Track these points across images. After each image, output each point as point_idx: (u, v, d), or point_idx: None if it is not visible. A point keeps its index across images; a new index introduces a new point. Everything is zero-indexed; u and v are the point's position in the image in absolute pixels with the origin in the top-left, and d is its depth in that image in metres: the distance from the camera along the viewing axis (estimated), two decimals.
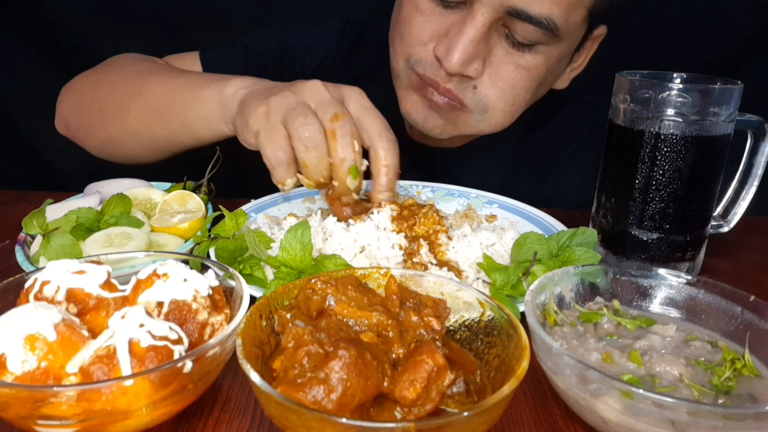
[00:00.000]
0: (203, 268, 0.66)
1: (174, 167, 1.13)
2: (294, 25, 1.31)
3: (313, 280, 0.57)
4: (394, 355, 0.52)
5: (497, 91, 0.98)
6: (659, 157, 0.80)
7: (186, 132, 1.02)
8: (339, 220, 0.85)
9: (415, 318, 0.56)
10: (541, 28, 0.90)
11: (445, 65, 0.93)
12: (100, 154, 1.18)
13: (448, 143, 1.20)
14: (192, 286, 0.59)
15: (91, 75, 1.20)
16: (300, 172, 0.82)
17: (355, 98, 0.85)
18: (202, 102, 0.96)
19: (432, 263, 0.80)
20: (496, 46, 0.95)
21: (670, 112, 0.79)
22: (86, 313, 0.58)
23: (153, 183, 1.02)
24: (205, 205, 0.94)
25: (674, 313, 0.69)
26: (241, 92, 0.91)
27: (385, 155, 0.84)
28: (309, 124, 0.79)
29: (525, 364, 0.50)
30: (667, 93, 0.78)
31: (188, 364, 0.51)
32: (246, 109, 0.85)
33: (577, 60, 1.08)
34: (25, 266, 0.77)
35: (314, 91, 0.83)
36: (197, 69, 1.25)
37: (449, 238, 0.84)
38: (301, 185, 0.84)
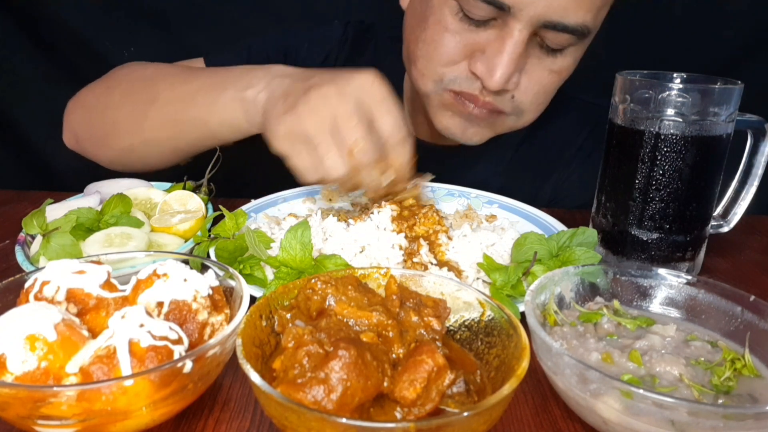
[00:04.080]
0: (203, 268, 0.66)
1: (174, 167, 1.13)
2: (296, 27, 1.31)
3: (313, 280, 0.57)
4: (394, 355, 0.52)
5: (530, 96, 1.00)
6: (659, 157, 0.80)
7: (209, 137, 1.00)
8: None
9: (415, 318, 0.56)
10: (576, 34, 0.92)
11: (487, 85, 0.93)
12: (116, 165, 1.15)
13: (449, 141, 1.20)
14: (192, 286, 0.59)
15: (98, 87, 1.18)
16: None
17: (368, 94, 0.81)
18: (223, 108, 0.94)
19: (432, 263, 0.80)
20: (530, 55, 0.96)
21: (670, 112, 0.79)
22: (86, 313, 0.58)
23: (153, 183, 1.02)
24: (205, 205, 0.94)
25: (674, 313, 0.69)
26: (261, 97, 0.89)
27: (395, 158, 0.83)
28: (334, 168, 0.79)
29: (525, 364, 0.50)
30: (667, 93, 0.78)
31: (188, 364, 0.51)
32: (272, 127, 0.84)
33: None
34: (25, 266, 0.77)
35: (326, 106, 0.80)
36: None
37: (449, 238, 0.84)
38: None
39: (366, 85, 0.81)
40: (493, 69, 0.92)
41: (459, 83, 0.98)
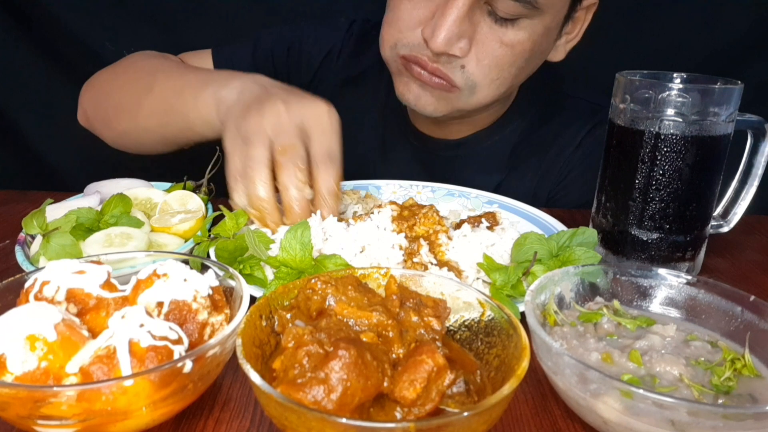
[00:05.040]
0: (203, 268, 0.66)
1: (174, 167, 1.13)
2: (303, 21, 1.34)
3: (313, 280, 0.57)
4: (394, 355, 0.52)
5: (483, 69, 1.01)
6: (659, 157, 0.80)
7: (188, 129, 1.04)
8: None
9: (415, 318, 0.56)
10: (520, 1, 0.94)
11: (431, 45, 0.97)
12: (117, 145, 1.22)
13: (450, 135, 1.22)
14: (192, 286, 0.59)
15: (109, 71, 1.24)
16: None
17: (314, 117, 0.86)
18: (201, 104, 0.99)
19: (432, 263, 0.80)
20: (480, 23, 0.98)
21: (670, 112, 0.79)
22: (86, 313, 0.58)
23: (153, 183, 1.02)
24: (205, 205, 0.94)
25: (674, 313, 0.69)
26: (231, 98, 0.93)
27: (323, 181, 0.85)
28: (260, 183, 0.83)
29: (525, 364, 0.50)
30: (667, 93, 0.78)
31: (188, 364, 0.51)
32: (226, 126, 0.89)
33: (572, 32, 1.11)
34: (25, 266, 0.77)
35: (274, 115, 0.84)
36: (210, 66, 1.29)
37: (449, 238, 0.84)
38: None
39: (316, 110, 0.86)
40: (436, 29, 0.95)
41: (409, 48, 1.02)
